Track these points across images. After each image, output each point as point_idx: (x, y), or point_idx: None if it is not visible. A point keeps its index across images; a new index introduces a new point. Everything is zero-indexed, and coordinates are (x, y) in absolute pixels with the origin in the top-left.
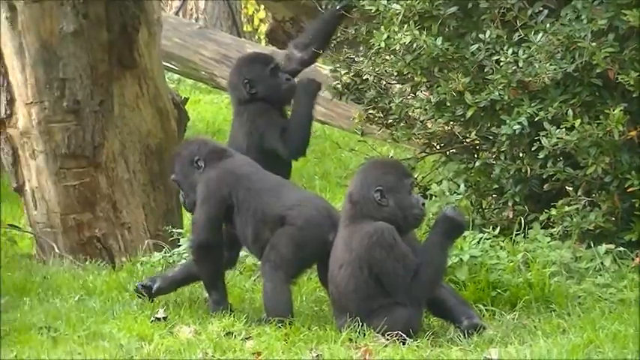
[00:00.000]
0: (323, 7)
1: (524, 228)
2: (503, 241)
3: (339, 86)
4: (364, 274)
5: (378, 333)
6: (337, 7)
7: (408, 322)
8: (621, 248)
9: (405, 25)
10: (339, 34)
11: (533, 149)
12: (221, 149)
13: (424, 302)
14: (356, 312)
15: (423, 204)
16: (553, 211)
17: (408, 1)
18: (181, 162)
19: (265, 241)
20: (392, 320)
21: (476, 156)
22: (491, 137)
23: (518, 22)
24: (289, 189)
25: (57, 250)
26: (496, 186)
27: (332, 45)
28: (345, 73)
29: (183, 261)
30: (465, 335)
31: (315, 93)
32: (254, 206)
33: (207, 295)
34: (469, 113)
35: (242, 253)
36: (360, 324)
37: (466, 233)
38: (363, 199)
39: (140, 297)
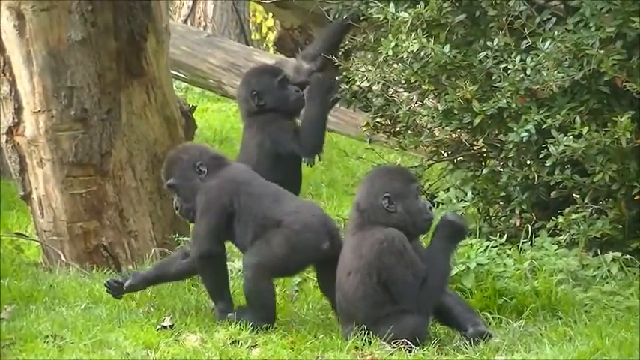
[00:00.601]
0: (331, 15)
1: (531, 235)
2: (510, 249)
3: (346, 94)
4: (373, 281)
5: (385, 341)
6: (345, 17)
7: (415, 329)
8: (628, 256)
9: (413, 33)
10: (347, 43)
11: (540, 157)
12: (221, 156)
13: (432, 309)
14: (363, 319)
15: (431, 208)
16: (560, 219)
17: (416, 10)
18: (182, 167)
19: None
20: (399, 328)
21: (483, 164)
22: (498, 145)
23: (526, 29)
24: (288, 196)
25: (64, 259)
26: (503, 194)
27: (340, 53)
28: (353, 81)
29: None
30: (471, 343)
31: (328, 89)
32: (255, 211)
33: (213, 304)
34: (476, 121)
35: None
36: (367, 332)
37: (473, 241)
38: (370, 206)
39: (109, 292)
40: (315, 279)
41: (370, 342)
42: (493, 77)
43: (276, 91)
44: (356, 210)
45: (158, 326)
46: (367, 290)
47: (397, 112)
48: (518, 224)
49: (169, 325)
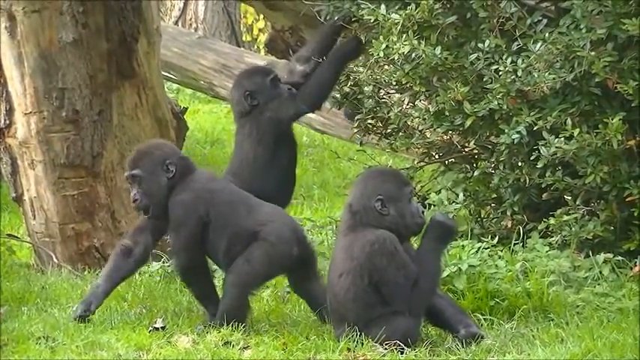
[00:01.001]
0: (322, 17)
1: (523, 237)
2: (501, 251)
3: (338, 96)
4: (364, 283)
5: (376, 342)
6: (336, 19)
7: (407, 331)
8: (620, 257)
9: (404, 35)
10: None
11: (531, 158)
12: (189, 159)
13: (423, 311)
14: (354, 321)
15: (423, 212)
16: (552, 221)
17: (407, 11)
18: (152, 161)
19: (237, 253)
20: (391, 330)
21: (475, 165)
22: (490, 146)
23: (517, 31)
24: (258, 203)
25: (55, 260)
26: (495, 195)
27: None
28: (344, 83)
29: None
30: (463, 344)
31: (349, 55)
32: (229, 220)
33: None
34: (468, 122)
35: None
36: (359, 333)
37: (465, 242)
38: (363, 208)
39: (81, 322)
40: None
41: (362, 343)
42: (484, 79)
43: (269, 90)
44: (348, 211)
45: (150, 328)
46: (358, 292)
47: (388, 113)
48: (509, 226)
49: (161, 327)
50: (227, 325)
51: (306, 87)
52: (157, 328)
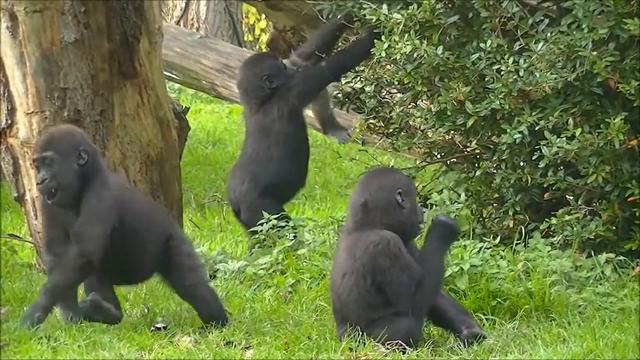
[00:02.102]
0: (324, 17)
1: (525, 237)
2: (503, 250)
3: (339, 95)
4: (367, 283)
5: (378, 342)
6: (338, 17)
7: (409, 332)
8: (621, 257)
9: (406, 35)
10: (339, 44)
11: (533, 158)
12: (100, 154)
13: (426, 311)
14: (357, 321)
15: (423, 212)
16: (553, 220)
17: (409, 11)
18: (67, 145)
19: (150, 259)
20: (393, 330)
21: (476, 165)
22: (491, 146)
23: (518, 31)
24: (156, 205)
25: None
26: (496, 195)
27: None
28: (346, 83)
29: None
30: (464, 344)
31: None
32: (138, 225)
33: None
34: (470, 122)
35: (242, 263)
36: (361, 333)
37: (467, 242)
38: (383, 203)
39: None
40: (309, 281)
41: (364, 343)
42: (486, 79)
43: (284, 72)
44: (362, 210)
45: (152, 327)
46: (361, 292)
47: (390, 113)
48: (511, 226)
49: (163, 327)
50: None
51: (331, 58)
52: (158, 328)
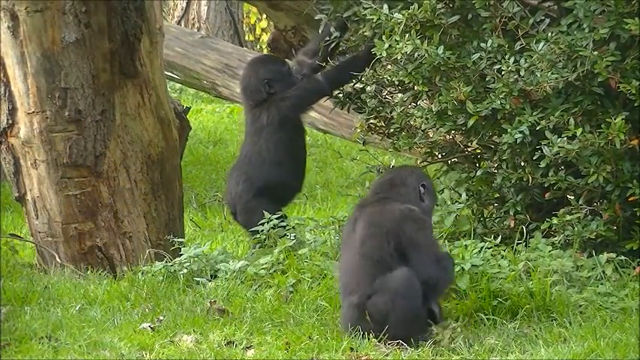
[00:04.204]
0: (327, 17)
1: (526, 237)
2: (504, 250)
3: (340, 95)
4: (390, 247)
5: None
6: (342, 16)
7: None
8: (622, 257)
9: (407, 35)
10: (341, 43)
11: (534, 158)
12: None
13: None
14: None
15: None
16: (554, 220)
17: (410, 11)
18: None
19: None
20: None
21: (477, 165)
22: (492, 146)
23: (519, 31)
24: None
25: (58, 260)
26: (497, 195)
27: (335, 54)
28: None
29: None
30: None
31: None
32: None
33: None
34: (470, 122)
35: (243, 263)
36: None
37: (467, 242)
38: (409, 185)
39: None
40: (310, 281)
41: (367, 340)
42: (487, 78)
43: (286, 79)
44: (387, 184)
45: (142, 326)
46: (383, 255)
47: (391, 113)
48: (512, 225)
49: (149, 327)
50: None
51: (329, 71)
52: (152, 328)
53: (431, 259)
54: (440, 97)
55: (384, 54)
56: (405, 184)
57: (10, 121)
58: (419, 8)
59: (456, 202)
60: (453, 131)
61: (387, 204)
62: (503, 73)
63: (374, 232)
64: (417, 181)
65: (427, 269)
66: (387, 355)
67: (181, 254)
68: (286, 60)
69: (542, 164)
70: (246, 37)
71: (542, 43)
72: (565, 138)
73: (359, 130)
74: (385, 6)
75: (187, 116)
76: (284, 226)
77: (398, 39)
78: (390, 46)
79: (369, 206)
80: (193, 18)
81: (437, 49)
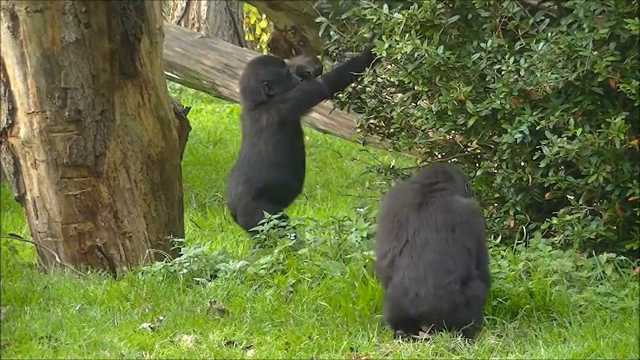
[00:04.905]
0: (328, 17)
1: (526, 237)
2: (504, 250)
3: (340, 95)
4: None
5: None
6: (342, 18)
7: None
8: (622, 257)
9: (407, 35)
10: (340, 44)
11: (534, 158)
12: None
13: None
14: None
15: None
16: (554, 220)
17: (410, 11)
18: None
19: None
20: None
21: (477, 165)
22: (492, 146)
23: (519, 31)
24: None
25: (58, 260)
26: (497, 195)
27: (334, 55)
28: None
29: None
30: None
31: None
32: None
33: None
34: (470, 122)
35: (243, 263)
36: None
37: None
38: (457, 181)
39: None
40: (310, 281)
41: (368, 339)
42: (487, 78)
43: (286, 81)
44: (441, 173)
45: (142, 326)
46: (468, 245)
47: (391, 113)
48: (512, 225)
49: (150, 327)
50: None
51: (329, 74)
52: (151, 328)
53: (488, 261)
54: (440, 97)
55: (384, 54)
56: (454, 179)
57: (10, 121)
58: (419, 8)
59: None
60: (452, 131)
61: (452, 195)
62: (503, 73)
63: (458, 220)
64: (463, 180)
65: (487, 274)
66: (386, 355)
67: (181, 254)
68: (286, 61)
69: (542, 164)
70: (246, 37)
71: (542, 43)
72: (565, 138)
73: (359, 130)
74: (385, 6)
75: (187, 116)
76: (284, 226)
77: (398, 39)
78: (390, 46)
79: (437, 193)
80: (193, 18)
81: (437, 49)
